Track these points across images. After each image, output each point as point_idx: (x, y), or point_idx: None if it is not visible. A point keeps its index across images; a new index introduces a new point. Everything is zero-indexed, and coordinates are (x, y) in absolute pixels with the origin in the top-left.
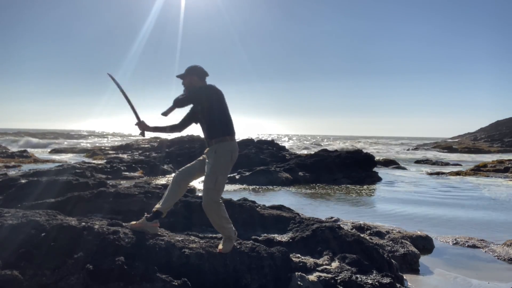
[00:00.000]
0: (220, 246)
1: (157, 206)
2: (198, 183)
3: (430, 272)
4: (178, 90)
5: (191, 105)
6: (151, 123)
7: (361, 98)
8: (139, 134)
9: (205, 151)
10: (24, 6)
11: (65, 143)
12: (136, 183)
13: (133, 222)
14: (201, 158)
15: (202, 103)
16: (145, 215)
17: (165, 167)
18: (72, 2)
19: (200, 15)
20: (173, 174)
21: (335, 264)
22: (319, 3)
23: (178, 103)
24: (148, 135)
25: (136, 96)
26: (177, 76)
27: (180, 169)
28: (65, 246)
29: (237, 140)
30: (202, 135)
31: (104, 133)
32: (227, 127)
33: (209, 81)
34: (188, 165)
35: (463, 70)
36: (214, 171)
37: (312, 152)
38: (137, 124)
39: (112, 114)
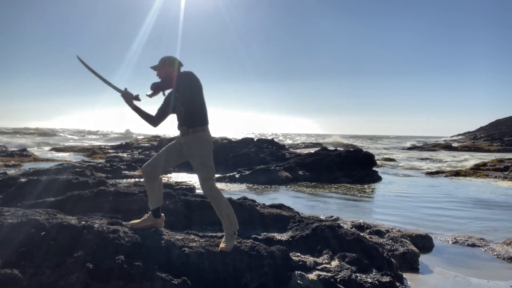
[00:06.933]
0: (222, 244)
1: (151, 206)
2: (196, 183)
3: (430, 271)
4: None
5: (163, 97)
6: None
7: (360, 97)
8: (127, 102)
9: (182, 141)
10: (23, 5)
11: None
12: (136, 182)
13: (134, 221)
14: (171, 144)
15: (183, 90)
16: (149, 213)
17: None
18: (70, 1)
19: (200, 15)
20: (173, 173)
21: (334, 263)
22: (319, 2)
23: (158, 87)
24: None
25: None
26: (152, 67)
27: (147, 163)
28: (65, 245)
29: (237, 139)
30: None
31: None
32: (205, 117)
33: (209, 80)
34: (156, 155)
35: (463, 69)
36: (203, 162)
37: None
38: (123, 95)
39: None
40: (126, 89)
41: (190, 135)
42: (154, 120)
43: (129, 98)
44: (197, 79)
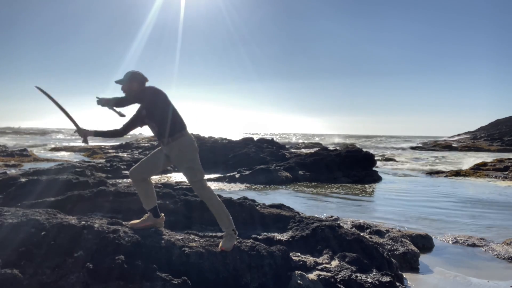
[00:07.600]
0: (222, 244)
1: (147, 207)
2: None
3: (430, 271)
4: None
5: (135, 108)
6: (91, 128)
7: (360, 97)
8: (82, 142)
9: (166, 149)
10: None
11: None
12: None
13: (134, 221)
14: (158, 150)
15: (146, 106)
16: (149, 214)
17: None
18: (69, 1)
19: (200, 15)
20: (173, 173)
21: (335, 262)
22: (319, 2)
23: (119, 102)
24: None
25: None
26: (116, 82)
27: (134, 167)
28: (65, 245)
29: (237, 139)
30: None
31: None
32: (179, 124)
33: (209, 79)
34: (144, 159)
35: (463, 69)
36: (190, 166)
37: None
38: (76, 131)
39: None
40: (82, 128)
41: (171, 143)
42: (120, 133)
43: (85, 135)
44: (160, 92)
